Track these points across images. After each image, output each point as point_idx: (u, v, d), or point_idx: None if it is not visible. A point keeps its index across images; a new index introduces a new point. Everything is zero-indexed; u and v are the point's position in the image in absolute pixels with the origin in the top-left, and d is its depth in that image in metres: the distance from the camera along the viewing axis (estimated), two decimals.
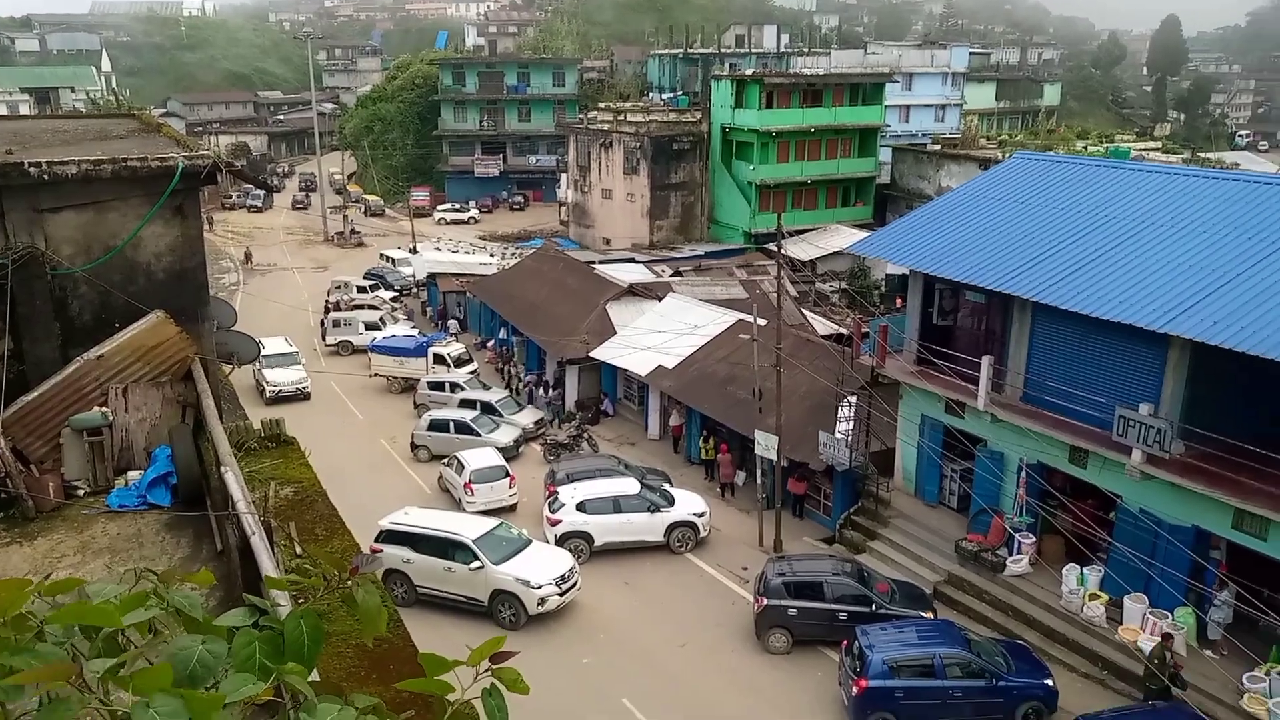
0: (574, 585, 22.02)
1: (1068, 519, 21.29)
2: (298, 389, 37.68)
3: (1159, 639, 18.39)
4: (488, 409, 33.67)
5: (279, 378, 37.69)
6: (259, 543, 5.77)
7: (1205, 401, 19.01)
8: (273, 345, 37.99)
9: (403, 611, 21.79)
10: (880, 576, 21.74)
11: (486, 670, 2.81)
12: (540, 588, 21.31)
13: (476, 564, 21.63)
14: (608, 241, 57.08)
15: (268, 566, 5.53)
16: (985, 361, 22.18)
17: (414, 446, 32.31)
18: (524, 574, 21.50)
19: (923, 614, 20.38)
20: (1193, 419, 18.77)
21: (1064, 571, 20.93)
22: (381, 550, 22.50)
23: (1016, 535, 22.10)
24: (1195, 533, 18.96)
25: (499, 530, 22.96)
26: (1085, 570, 20.82)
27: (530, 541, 23.07)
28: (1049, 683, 18.36)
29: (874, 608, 20.36)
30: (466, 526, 22.75)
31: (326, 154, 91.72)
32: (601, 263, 44.51)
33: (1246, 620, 18.65)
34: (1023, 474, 22.21)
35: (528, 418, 34.28)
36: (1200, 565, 19.16)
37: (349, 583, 3.02)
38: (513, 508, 27.74)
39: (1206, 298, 18.22)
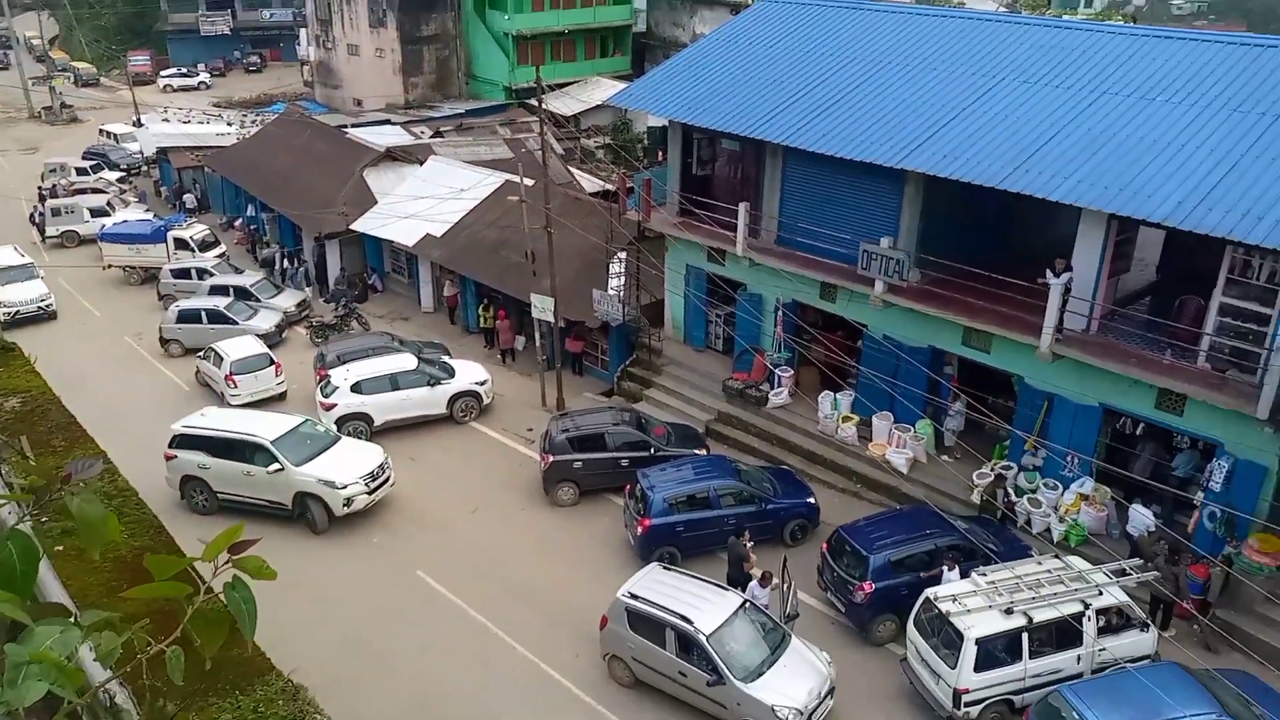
0: (385, 481, 21.24)
1: (821, 351, 22.98)
2: (40, 308, 32.63)
3: (992, 478, 19.46)
4: (242, 294, 31.59)
5: (13, 295, 32.56)
6: None
7: (937, 232, 20.71)
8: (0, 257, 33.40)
9: (206, 520, 20.74)
10: (657, 421, 22.76)
11: (226, 563, 2.72)
12: (345, 487, 20.41)
13: (276, 466, 20.51)
14: (359, 103, 53.77)
15: None
16: (742, 208, 23.00)
17: (164, 341, 29.97)
18: (328, 474, 20.51)
19: (697, 452, 21.62)
20: (926, 248, 20.46)
21: (819, 399, 22.72)
22: (176, 456, 21.15)
23: (776, 370, 23.69)
24: (930, 353, 20.98)
25: (303, 428, 21.72)
26: (838, 396, 22.67)
27: (338, 439, 22.03)
28: (811, 501, 20.18)
29: (653, 451, 21.38)
30: (265, 427, 21.41)
31: (19, 15, 79.82)
32: (354, 126, 41.97)
33: (975, 425, 21.09)
34: (779, 313, 23.62)
35: (288, 300, 32.52)
36: (936, 381, 21.38)
37: (63, 492, 2.80)
38: (282, 396, 26.63)
39: (937, 133, 19.58)
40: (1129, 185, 16.79)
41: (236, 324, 29.34)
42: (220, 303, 30.34)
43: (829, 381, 22.79)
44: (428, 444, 24.29)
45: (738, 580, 17.63)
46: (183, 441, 21.31)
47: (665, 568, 17.47)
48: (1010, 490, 19.27)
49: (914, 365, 21.01)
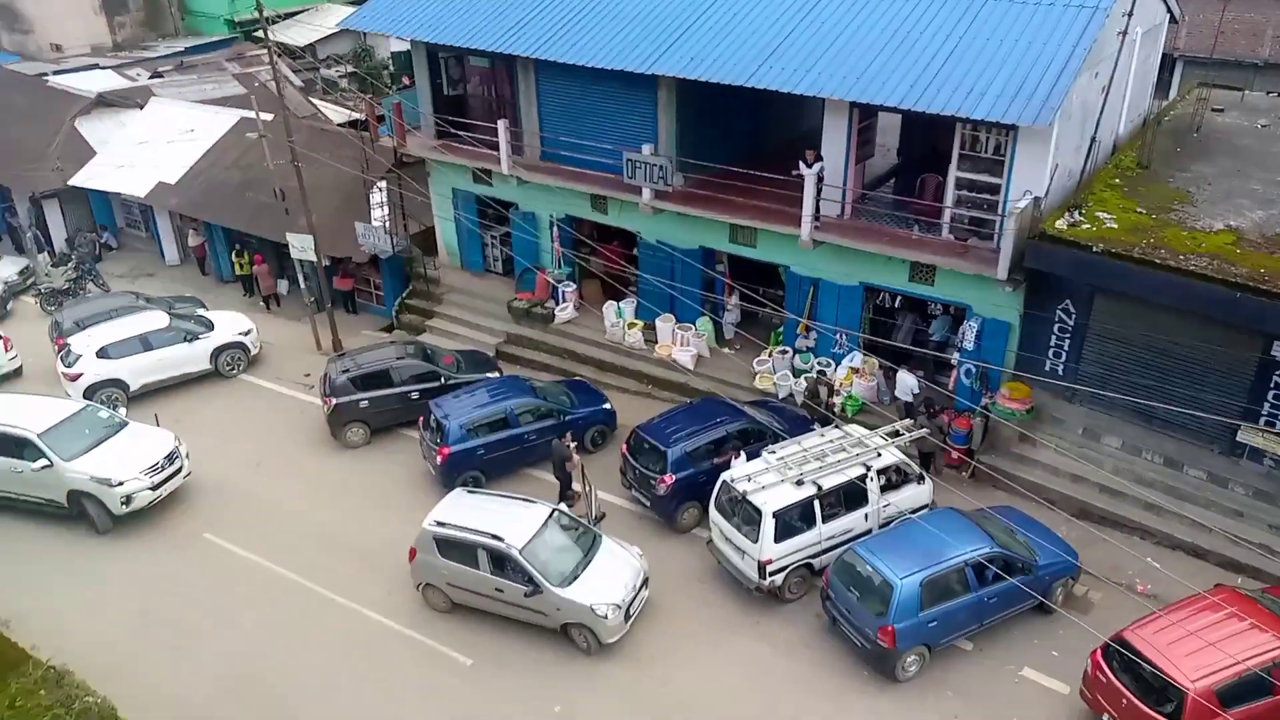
0: (177, 472, 18.81)
1: (600, 262, 23.09)
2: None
3: (816, 374, 20.05)
4: None
5: None
6: None
7: (695, 135, 21.06)
8: None
9: None
10: (445, 350, 22.18)
11: None
12: (122, 484, 17.99)
13: (43, 462, 18.06)
14: (58, 48, 47.77)
15: None
16: (501, 125, 22.43)
17: None
18: (103, 470, 18.07)
19: (490, 375, 21.30)
20: (685, 152, 20.79)
21: (604, 309, 22.90)
22: None
23: (559, 286, 23.62)
24: (703, 253, 21.56)
25: (82, 415, 19.16)
26: (621, 305, 22.93)
27: (123, 425, 19.38)
28: (607, 407, 20.49)
29: (444, 380, 20.86)
30: (34, 417, 18.68)
31: None
32: (56, 74, 37.27)
33: (750, 316, 21.99)
34: (555, 229, 23.46)
35: (8, 269, 28.92)
36: (711, 280, 22.03)
37: None
38: (17, 373, 23.82)
39: (680, 37, 19.76)
40: (864, 74, 17.70)
41: None
42: None
43: (612, 291, 22.99)
44: (195, 404, 22.54)
45: (563, 480, 18.07)
46: None
47: (470, 491, 17.24)
48: (830, 387, 19.77)
49: (689, 264, 21.53)
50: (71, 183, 29.69)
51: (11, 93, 34.57)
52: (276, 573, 17.12)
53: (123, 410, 20.67)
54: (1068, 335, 17.90)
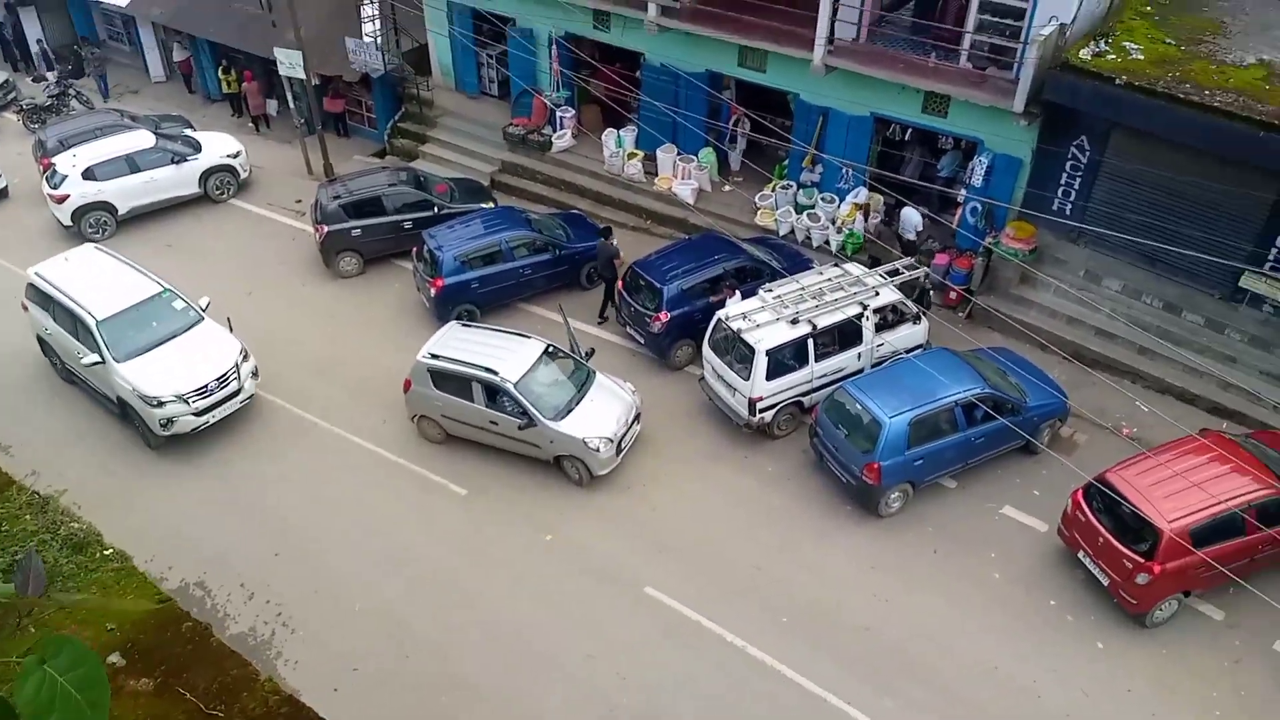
0: (232, 395, 16.37)
1: (601, 85, 22.11)
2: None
3: (920, 274, 17.10)
4: None
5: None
6: None
7: None
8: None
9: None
10: (438, 178, 21.57)
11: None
12: (162, 405, 15.73)
13: (94, 357, 16.11)
14: None
15: None
16: None
17: None
18: (146, 384, 15.74)
19: (484, 205, 20.82)
20: None
21: (604, 138, 22.11)
22: (28, 309, 17.55)
23: (558, 111, 22.72)
24: (709, 76, 20.58)
25: (155, 302, 16.71)
26: (621, 133, 22.12)
27: (198, 322, 16.87)
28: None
29: (437, 210, 20.39)
30: (106, 295, 16.58)
31: None
32: None
33: (755, 148, 21.24)
34: (554, 48, 22.35)
35: None
36: (716, 108, 21.14)
37: None
38: (3, 193, 23.32)
39: None
40: None
41: None
42: None
43: (612, 118, 22.12)
44: (185, 227, 22.19)
45: (609, 278, 18.57)
46: (33, 294, 17.35)
47: (464, 325, 17.16)
48: (928, 283, 18.05)
49: (695, 88, 20.61)
50: None
51: None
52: (269, 400, 17.28)
53: (204, 301, 17.37)
54: (1079, 173, 17.27)
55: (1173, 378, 16.62)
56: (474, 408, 15.54)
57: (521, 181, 22.87)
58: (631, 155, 21.92)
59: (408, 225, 20.21)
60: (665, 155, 21.42)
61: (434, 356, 15.80)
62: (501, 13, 22.82)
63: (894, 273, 16.70)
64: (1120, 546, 12.93)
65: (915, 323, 16.75)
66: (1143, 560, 12.62)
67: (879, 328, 16.26)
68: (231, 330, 17.13)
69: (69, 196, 21.30)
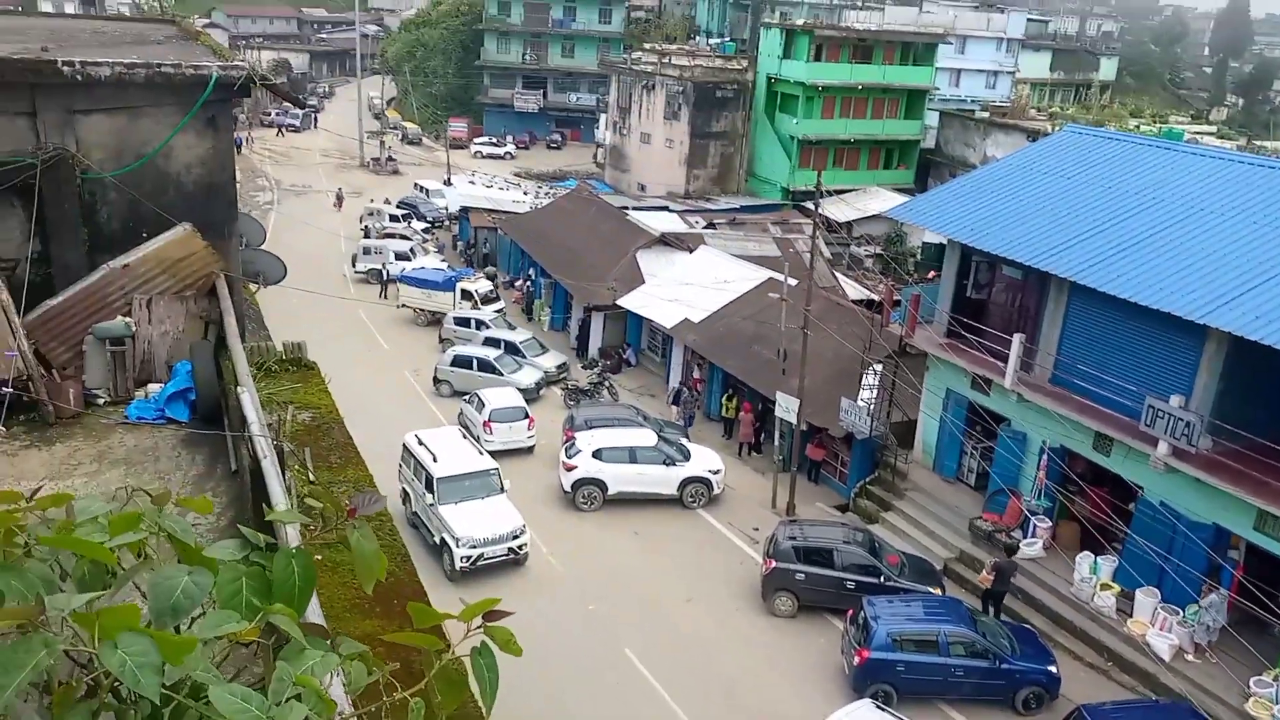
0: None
1: (1086, 506, 21.00)
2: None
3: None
4: (511, 349, 33.60)
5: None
6: (270, 467, 5.68)
7: (1238, 397, 18.56)
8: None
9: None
10: (891, 548, 21.61)
11: (478, 627, 2.66)
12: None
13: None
14: (643, 187, 56.51)
15: (276, 493, 5.43)
16: (1016, 339, 21.77)
17: (436, 381, 32.37)
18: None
19: (931, 590, 20.26)
20: (1223, 414, 18.34)
21: (1077, 559, 20.71)
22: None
23: (1032, 518, 21.88)
24: (1215, 531, 18.65)
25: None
26: (1099, 559, 20.57)
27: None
28: (1052, 669, 18.24)
29: (882, 579, 20.26)
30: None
31: (367, 77, 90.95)
32: (635, 209, 44.03)
33: (1256, 622, 18.39)
34: (1044, 457, 21.91)
35: (550, 361, 34.22)
36: (1216, 565, 18.90)
37: (346, 524, 2.87)
38: (530, 449, 27.79)
39: (1250, 290, 17.70)
40: None
41: (502, 375, 31.17)
42: (491, 354, 32.39)
43: (1090, 541, 20.76)
44: (655, 522, 24.41)
45: (999, 594, 19.90)
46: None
47: (879, 706, 16.35)
48: None
49: (1194, 542, 18.72)
50: (619, 302, 34.46)
51: (600, 218, 41.52)
52: (669, 704, 17.54)
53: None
54: None
55: None
56: None
57: (977, 577, 21.92)
58: (1105, 586, 20.14)
59: (850, 585, 20.25)
60: (1146, 598, 19.35)
61: None
62: (998, 412, 23.13)
63: None
64: None
65: None
66: None
67: None
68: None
69: (576, 468, 24.75)
